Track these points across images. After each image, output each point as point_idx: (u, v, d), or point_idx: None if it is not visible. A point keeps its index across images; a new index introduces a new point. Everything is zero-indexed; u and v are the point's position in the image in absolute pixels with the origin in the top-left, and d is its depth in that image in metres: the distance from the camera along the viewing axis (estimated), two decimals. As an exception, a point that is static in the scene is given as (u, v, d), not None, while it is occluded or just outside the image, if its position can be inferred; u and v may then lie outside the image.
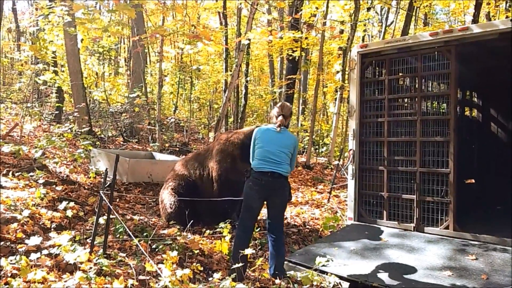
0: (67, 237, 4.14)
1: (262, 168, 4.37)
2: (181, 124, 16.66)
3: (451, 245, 4.93)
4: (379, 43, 6.28)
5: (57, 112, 14.69)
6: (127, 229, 4.46)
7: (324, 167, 13.03)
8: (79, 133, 11.39)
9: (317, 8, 12.95)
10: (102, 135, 12.41)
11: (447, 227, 5.27)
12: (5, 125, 11.19)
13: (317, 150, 16.12)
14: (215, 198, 5.84)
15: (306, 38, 11.97)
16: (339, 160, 9.88)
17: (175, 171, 6.44)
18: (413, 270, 4.35)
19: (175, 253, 4.26)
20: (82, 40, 12.29)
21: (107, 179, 7.80)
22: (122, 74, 22.76)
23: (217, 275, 4.11)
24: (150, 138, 13.15)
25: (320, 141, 17.42)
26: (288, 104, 4.77)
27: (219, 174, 6.04)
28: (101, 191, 4.48)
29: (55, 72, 14.06)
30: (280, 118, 4.52)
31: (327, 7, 12.48)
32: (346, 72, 12.62)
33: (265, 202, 4.57)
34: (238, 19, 15.32)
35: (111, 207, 4.34)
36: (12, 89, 15.96)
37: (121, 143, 12.54)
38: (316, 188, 9.72)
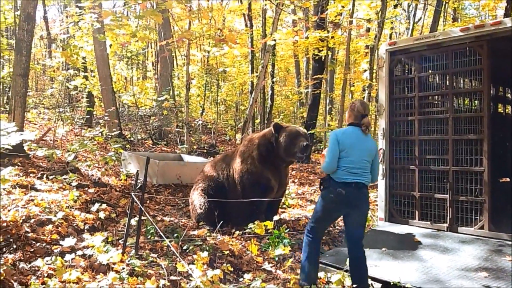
0: (101, 238, 4.23)
1: (345, 179, 3.89)
2: (208, 126, 16.80)
3: (486, 245, 4.80)
4: (408, 40, 6.18)
5: (88, 116, 15.04)
6: (158, 230, 4.50)
7: (352, 167, 12.85)
8: (110, 136, 11.62)
9: (343, 6, 12.85)
10: (132, 138, 12.63)
11: (481, 227, 5.14)
12: (38, 130, 11.51)
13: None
14: (243, 199, 5.85)
15: (332, 37, 11.88)
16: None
17: (204, 172, 6.49)
18: (447, 271, 4.25)
19: (205, 253, 4.30)
20: (111, 45, 12.54)
21: (138, 181, 7.94)
22: (150, 78, 23.11)
23: (248, 276, 4.12)
24: (178, 140, 13.31)
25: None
26: (365, 102, 4.36)
27: (240, 175, 6.05)
28: (132, 193, 4.56)
29: (85, 78, 14.41)
30: (366, 119, 4.04)
31: (353, 5, 12.34)
32: (374, 71, 12.46)
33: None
34: (263, 20, 15.34)
35: (142, 208, 4.40)
36: (45, 95, 16.40)
37: (150, 145, 12.73)
38: (345, 188, 9.61)
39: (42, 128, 12.24)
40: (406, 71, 6.18)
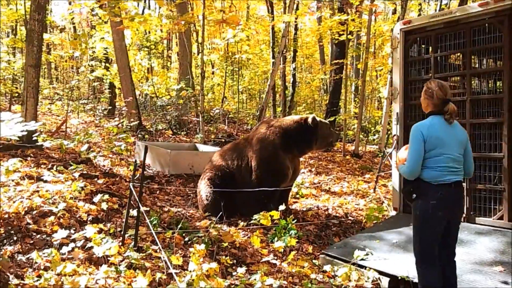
0: (93, 229, 4.14)
1: (444, 180, 3.26)
2: (229, 116, 16.66)
3: (504, 237, 4.47)
4: (423, 18, 5.81)
5: (110, 107, 15.15)
6: (149, 224, 4.38)
7: (374, 155, 12.50)
8: (129, 127, 11.64)
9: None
10: (151, 129, 12.62)
11: (501, 218, 4.79)
12: (56, 122, 11.64)
13: (367, 138, 15.53)
14: (252, 189, 5.69)
15: (353, 20, 11.46)
16: (385, 147, 9.39)
17: (212, 162, 6.35)
18: (460, 264, 3.93)
19: (202, 246, 4.15)
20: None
21: (148, 170, 7.86)
22: (176, 68, 23.12)
23: (241, 269, 3.94)
24: (198, 130, 13.22)
25: (372, 128, 16.76)
26: (444, 83, 3.51)
27: (259, 163, 5.90)
28: (130, 184, 4.45)
29: (106, 68, 14.48)
30: (451, 106, 3.33)
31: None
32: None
33: None
34: (284, 5, 14.98)
35: (138, 200, 4.29)
36: (69, 86, 16.63)
37: (170, 135, 12.70)
38: (364, 177, 9.30)
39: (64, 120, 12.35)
40: (422, 52, 5.82)
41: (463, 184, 3.43)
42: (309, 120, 5.98)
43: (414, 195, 3.37)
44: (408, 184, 3.44)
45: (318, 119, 6.14)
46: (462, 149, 3.40)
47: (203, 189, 5.98)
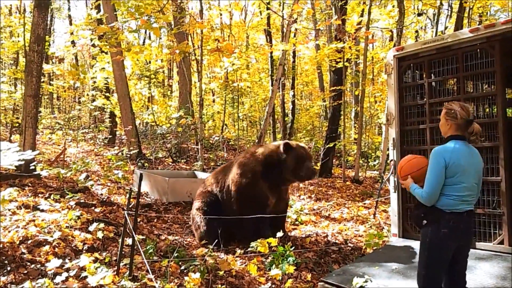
0: (87, 258, 4.09)
1: (458, 208, 3.14)
2: (229, 143, 16.70)
3: (505, 262, 4.39)
4: (416, 44, 5.86)
5: (110, 136, 15.23)
6: (142, 254, 4.32)
7: (375, 181, 12.46)
8: (128, 155, 11.67)
9: (362, 15, 12.60)
10: (151, 157, 12.64)
11: (501, 242, 4.72)
12: (56, 151, 11.66)
13: (367, 163, 15.52)
14: (239, 215, 5.60)
15: (349, 47, 11.62)
16: (383, 173, 9.36)
17: (205, 184, 6.30)
18: (460, 291, 3.88)
19: (197, 275, 4.10)
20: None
21: (147, 198, 7.82)
22: (176, 96, 23.34)
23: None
24: (197, 157, 13.24)
25: (373, 154, 16.77)
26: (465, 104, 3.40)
27: (237, 188, 5.77)
28: (125, 212, 4.42)
29: (107, 98, 14.62)
30: (476, 126, 3.22)
31: (369, 13, 12.07)
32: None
33: None
34: (282, 34, 15.23)
35: (133, 229, 4.25)
36: (69, 116, 16.77)
37: (170, 163, 12.70)
38: (364, 203, 9.24)
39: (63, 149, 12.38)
40: (416, 77, 5.87)
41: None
42: (281, 147, 5.77)
43: (425, 222, 3.24)
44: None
45: (295, 145, 5.83)
46: (478, 178, 3.26)
47: (195, 218, 5.91)
